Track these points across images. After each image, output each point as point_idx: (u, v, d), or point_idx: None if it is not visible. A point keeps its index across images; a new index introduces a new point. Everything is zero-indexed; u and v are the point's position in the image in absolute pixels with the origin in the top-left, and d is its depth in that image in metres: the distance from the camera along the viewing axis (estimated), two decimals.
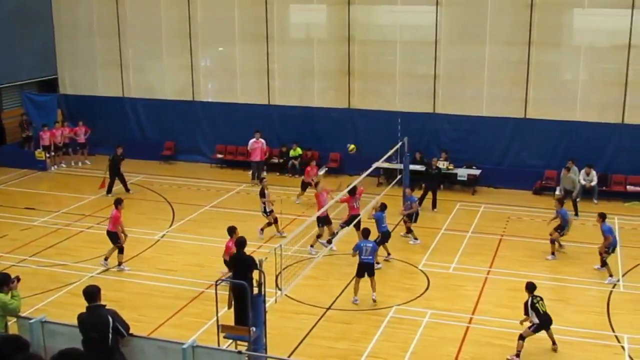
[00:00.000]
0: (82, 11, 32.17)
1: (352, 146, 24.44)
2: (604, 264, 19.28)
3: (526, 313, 15.31)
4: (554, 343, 15.45)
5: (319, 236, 20.95)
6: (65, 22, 32.56)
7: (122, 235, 19.59)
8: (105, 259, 19.81)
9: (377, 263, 19.20)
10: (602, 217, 19.57)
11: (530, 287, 15.55)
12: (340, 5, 28.49)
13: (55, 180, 29.04)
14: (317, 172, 24.58)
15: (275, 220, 22.02)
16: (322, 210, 19.81)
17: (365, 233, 18.30)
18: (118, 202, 19.86)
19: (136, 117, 32.13)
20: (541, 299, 15.40)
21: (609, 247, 19.31)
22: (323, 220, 20.62)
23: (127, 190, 26.33)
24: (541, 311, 15.18)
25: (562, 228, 20.61)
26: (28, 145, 31.39)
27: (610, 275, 19.04)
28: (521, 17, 26.28)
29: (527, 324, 15.30)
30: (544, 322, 15.23)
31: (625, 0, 25.18)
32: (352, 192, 20.71)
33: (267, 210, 22.04)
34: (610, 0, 26.06)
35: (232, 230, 17.54)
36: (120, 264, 19.75)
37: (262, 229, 22.06)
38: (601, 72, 26.73)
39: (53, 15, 32.55)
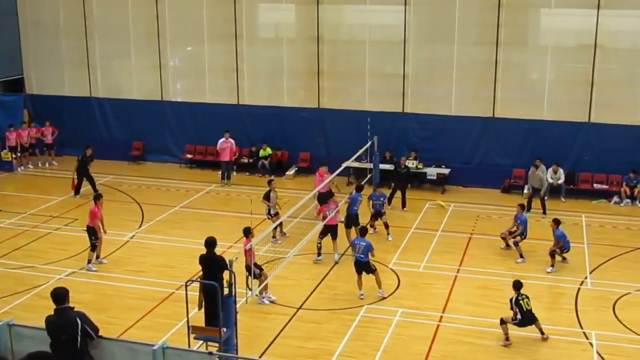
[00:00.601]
0: (48, 10, 31.82)
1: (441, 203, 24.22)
2: (552, 255, 19.78)
3: (512, 308, 15.72)
4: (542, 333, 15.77)
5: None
6: (31, 21, 32.18)
7: (101, 231, 19.61)
8: (89, 262, 19.74)
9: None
10: (557, 222, 19.94)
11: (517, 285, 15.96)
12: (309, 4, 28.46)
13: (22, 182, 28.71)
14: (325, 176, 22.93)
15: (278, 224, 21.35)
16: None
17: (362, 231, 18.42)
18: (97, 198, 20.00)
19: (104, 118, 31.85)
20: (526, 296, 15.79)
21: (560, 248, 19.84)
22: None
23: (96, 191, 26.04)
24: (525, 308, 15.57)
25: (521, 234, 20.74)
26: None
27: (552, 265, 19.63)
28: (489, 17, 26.45)
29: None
30: (526, 319, 15.60)
31: (591, 0, 25.47)
32: (324, 200, 20.73)
33: (272, 212, 21.62)
34: (576, 0, 26.33)
35: (247, 231, 17.18)
36: (89, 261, 19.66)
37: (282, 232, 21.69)
38: (568, 72, 26.98)
39: (19, 14, 32.15)
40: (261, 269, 17.33)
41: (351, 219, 20.65)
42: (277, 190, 22.16)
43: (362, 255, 17.73)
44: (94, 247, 19.62)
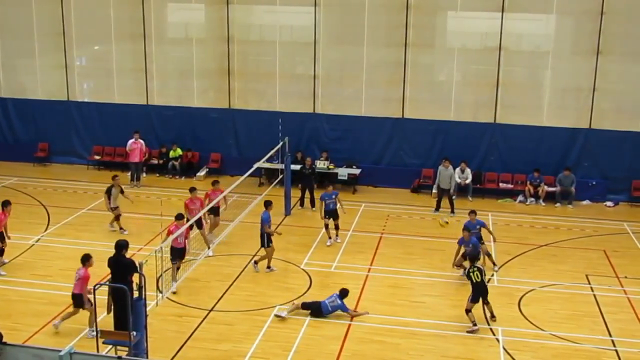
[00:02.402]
0: None
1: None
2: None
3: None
4: (492, 315, 16.55)
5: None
6: None
7: (6, 237, 19.18)
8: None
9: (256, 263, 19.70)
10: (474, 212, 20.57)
11: (471, 257, 16.76)
12: (219, 4, 28.31)
13: None
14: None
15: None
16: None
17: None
18: (5, 204, 19.35)
19: (7, 118, 30.90)
20: (478, 269, 16.37)
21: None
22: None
23: None
24: (474, 280, 16.16)
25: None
26: None
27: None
28: (397, 19, 26.86)
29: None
30: (478, 290, 16.21)
31: (495, 4, 26.16)
32: (192, 190, 20.94)
33: (112, 206, 22.14)
34: (481, 4, 26.98)
35: (180, 216, 17.38)
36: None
37: (121, 228, 22.03)
38: (474, 73, 27.65)
39: None
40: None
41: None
42: (121, 186, 22.59)
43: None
44: (1, 252, 19.19)
